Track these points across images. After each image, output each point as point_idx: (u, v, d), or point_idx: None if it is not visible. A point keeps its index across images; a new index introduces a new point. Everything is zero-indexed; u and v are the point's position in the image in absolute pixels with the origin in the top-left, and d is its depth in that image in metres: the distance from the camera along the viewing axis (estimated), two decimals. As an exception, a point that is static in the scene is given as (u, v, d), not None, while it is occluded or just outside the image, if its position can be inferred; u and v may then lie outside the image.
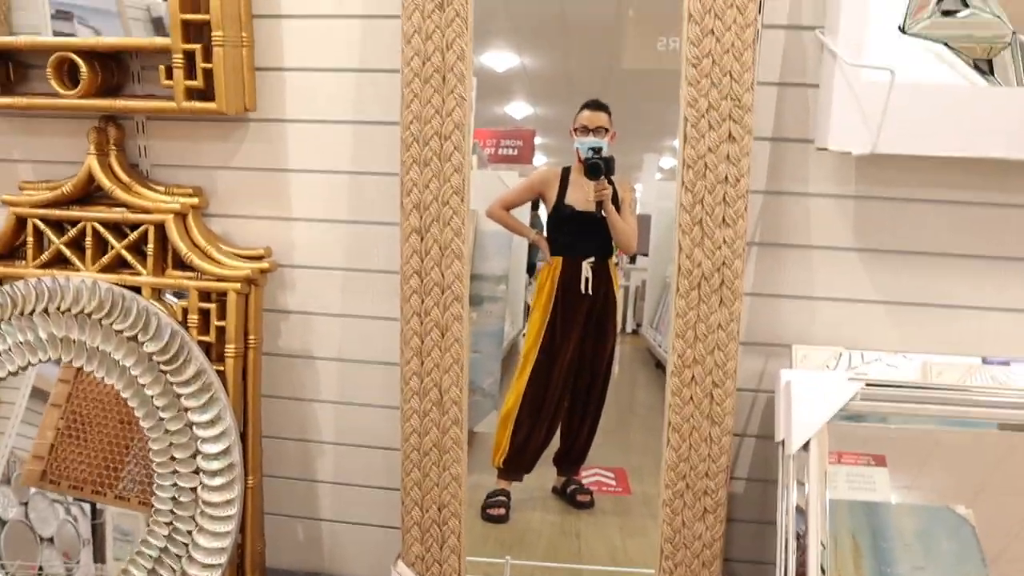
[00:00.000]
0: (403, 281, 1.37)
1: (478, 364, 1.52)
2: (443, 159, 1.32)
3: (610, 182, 1.50)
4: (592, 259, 1.52)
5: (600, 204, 1.49)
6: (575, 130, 1.50)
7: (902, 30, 1.22)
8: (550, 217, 1.55)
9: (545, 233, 1.56)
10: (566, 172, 1.53)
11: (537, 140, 1.55)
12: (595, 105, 1.49)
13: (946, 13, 1.22)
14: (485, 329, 1.56)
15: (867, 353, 1.39)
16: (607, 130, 1.47)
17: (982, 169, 1.32)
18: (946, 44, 1.22)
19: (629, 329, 1.64)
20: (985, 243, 1.37)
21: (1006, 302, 1.39)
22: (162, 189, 1.52)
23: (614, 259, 1.55)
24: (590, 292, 1.51)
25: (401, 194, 1.34)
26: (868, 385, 1.30)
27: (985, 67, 1.23)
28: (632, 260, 1.57)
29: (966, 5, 1.22)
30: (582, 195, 1.52)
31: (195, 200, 1.50)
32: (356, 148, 1.47)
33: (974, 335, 1.40)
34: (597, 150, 1.47)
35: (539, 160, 1.56)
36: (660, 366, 1.55)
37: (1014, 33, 1.21)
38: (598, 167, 1.47)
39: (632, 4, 1.45)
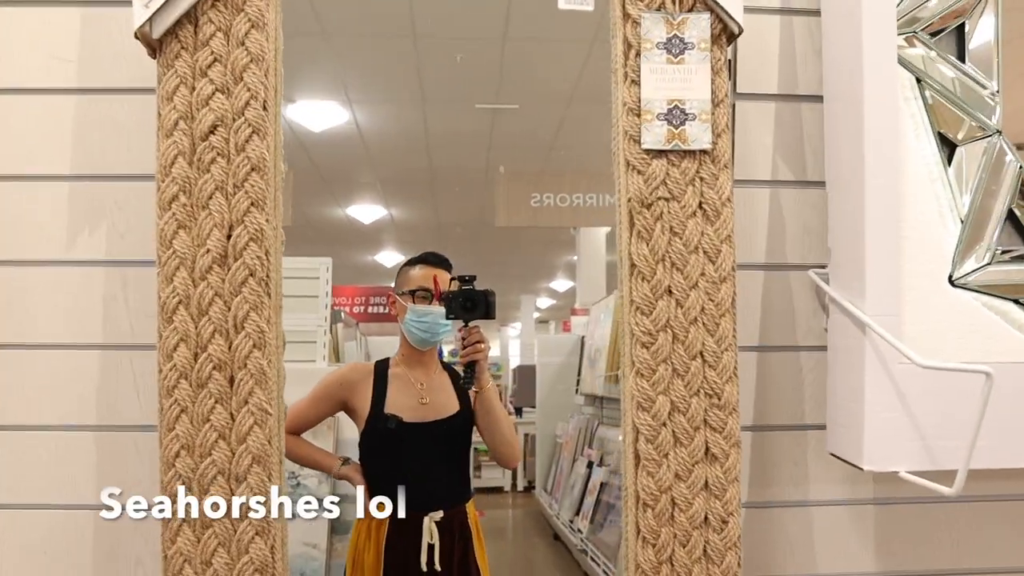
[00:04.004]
0: None
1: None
2: (238, 545, 0.76)
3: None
4: (440, 512, 0.98)
5: (471, 370, 0.96)
6: (408, 294, 1.01)
7: (951, 281, 0.80)
8: (364, 438, 1.01)
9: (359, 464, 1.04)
10: (382, 368, 1.02)
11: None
12: (436, 260, 1.02)
13: (1006, 253, 0.81)
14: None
15: None
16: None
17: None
18: (1016, 301, 0.81)
19: (520, 487, 1.50)
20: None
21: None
22: None
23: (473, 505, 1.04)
24: (437, 567, 0.96)
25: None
26: None
27: (1064, 327, 0.82)
28: (518, 413, 1.32)
29: (1029, 239, 0.82)
30: (412, 398, 1.00)
31: None
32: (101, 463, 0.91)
33: None
34: (469, 279, 0.96)
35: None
36: (559, 538, 1.40)
37: (1111, 284, 0.81)
38: (473, 300, 0.94)
39: (502, 160, 1.34)
